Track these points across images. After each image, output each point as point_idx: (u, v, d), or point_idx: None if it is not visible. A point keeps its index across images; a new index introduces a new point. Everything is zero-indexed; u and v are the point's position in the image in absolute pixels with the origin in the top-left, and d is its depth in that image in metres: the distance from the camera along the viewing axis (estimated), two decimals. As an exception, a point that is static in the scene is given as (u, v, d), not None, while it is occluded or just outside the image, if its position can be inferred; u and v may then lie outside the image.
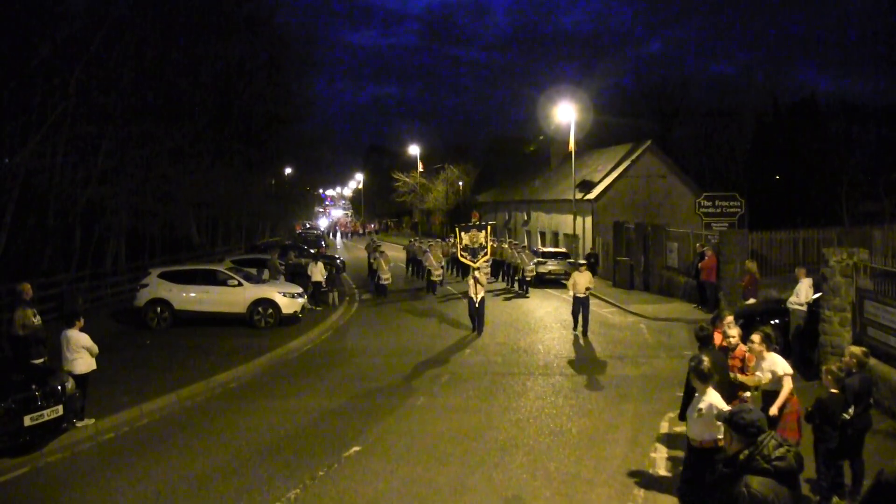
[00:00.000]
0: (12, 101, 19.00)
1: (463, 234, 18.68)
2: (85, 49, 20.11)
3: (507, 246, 27.82)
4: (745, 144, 46.43)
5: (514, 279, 26.52)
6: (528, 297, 24.38)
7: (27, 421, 9.14)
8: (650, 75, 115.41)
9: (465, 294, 19.04)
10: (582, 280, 17.18)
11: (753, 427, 4.11)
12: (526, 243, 32.43)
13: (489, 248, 19.05)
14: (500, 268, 28.36)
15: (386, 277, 25.23)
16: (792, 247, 21.99)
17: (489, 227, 19.23)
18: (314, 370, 14.39)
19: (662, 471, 8.62)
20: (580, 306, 17.26)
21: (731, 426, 4.21)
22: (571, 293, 17.40)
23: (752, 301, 16.59)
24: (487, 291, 24.87)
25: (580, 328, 17.36)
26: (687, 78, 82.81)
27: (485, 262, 19.40)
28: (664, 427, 10.20)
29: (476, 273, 17.90)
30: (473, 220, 21.76)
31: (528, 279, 25.31)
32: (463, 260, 19.16)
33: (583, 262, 18.73)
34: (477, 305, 17.58)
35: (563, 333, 17.76)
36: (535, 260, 26.61)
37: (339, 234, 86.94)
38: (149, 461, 9.19)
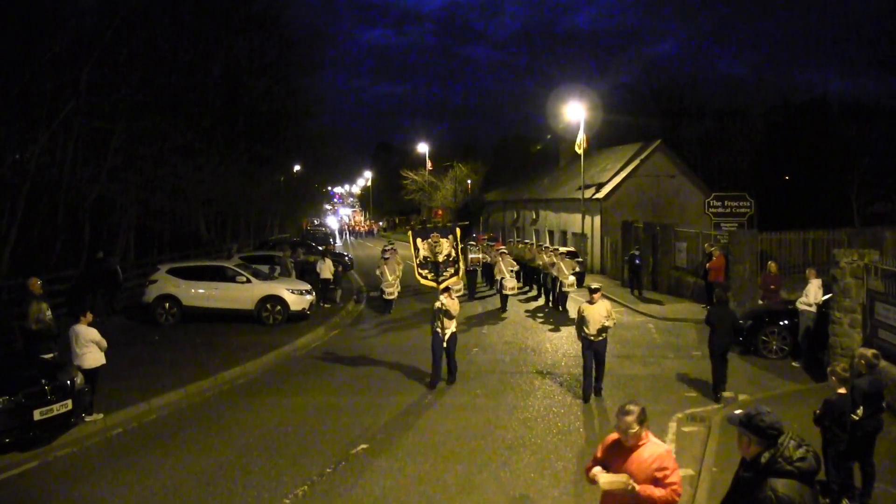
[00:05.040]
0: (24, 96, 19.08)
1: (419, 240, 13.14)
2: (95, 45, 20.19)
3: (543, 253, 22.82)
4: (754, 144, 46.18)
5: (550, 292, 21.83)
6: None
7: (37, 415, 9.19)
8: (660, 74, 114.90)
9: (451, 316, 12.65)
10: (596, 315, 11.43)
11: (774, 429, 4.02)
12: (540, 242, 31.66)
13: (461, 261, 13.53)
14: (535, 278, 23.97)
15: (391, 291, 20.66)
16: (801, 247, 21.88)
17: (458, 231, 13.47)
18: (322, 367, 14.40)
19: (670, 471, 8.58)
20: (592, 355, 11.53)
21: (750, 429, 4.09)
22: (581, 331, 11.70)
23: (760, 302, 16.55)
24: (524, 305, 21.96)
25: (593, 385, 11.77)
26: (697, 77, 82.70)
27: (454, 281, 13.29)
28: (673, 427, 10.17)
29: (442, 298, 12.40)
30: (435, 219, 14.89)
31: (566, 293, 20.65)
32: (421, 280, 13.24)
33: (596, 286, 12.01)
34: (445, 344, 12.46)
35: (571, 332, 17.68)
36: (575, 269, 20.88)
37: (349, 234, 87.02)
38: (157, 456, 9.23)
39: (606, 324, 11.45)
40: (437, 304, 12.40)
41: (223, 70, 31.93)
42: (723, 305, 11.92)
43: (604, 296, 12.02)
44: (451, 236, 13.13)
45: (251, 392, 12.53)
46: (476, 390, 12.40)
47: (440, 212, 18.99)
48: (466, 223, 27.80)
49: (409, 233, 13.82)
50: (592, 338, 11.47)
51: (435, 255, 12.99)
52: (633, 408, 4.87)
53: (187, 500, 7.88)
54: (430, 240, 13.06)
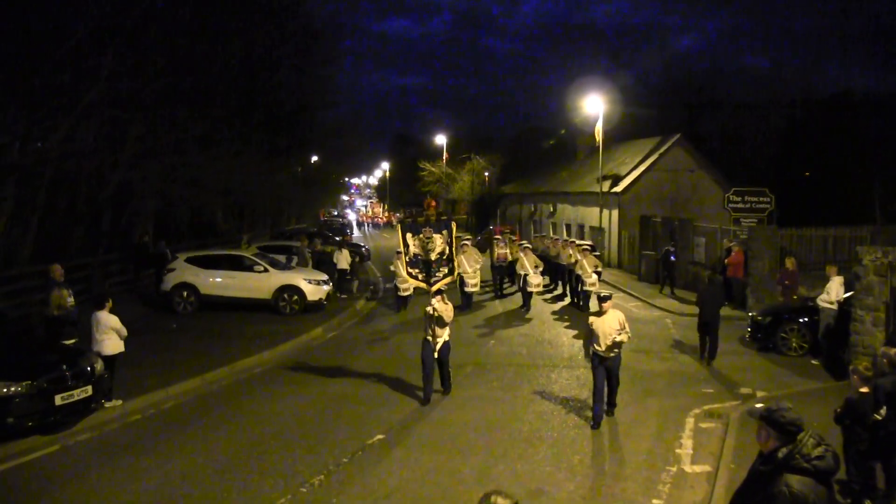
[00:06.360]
0: (45, 85, 19.23)
1: (410, 236, 11.57)
2: (116, 34, 20.29)
3: (571, 249, 21.08)
4: (775, 139, 45.67)
5: (573, 289, 20.72)
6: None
7: (58, 400, 9.31)
8: (679, 67, 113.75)
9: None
10: (606, 328, 9.78)
11: (794, 426, 3.98)
12: (566, 238, 31.24)
13: (456, 259, 12.26)
14: (560, 274, 22.66)
15: (405, 287, 18.85)
16: (822, 244, 21.65)
17: (454, 225, 11.94)
18: (338, 358, 14.44)
19: (688, 466, 8.55)
20: (604, 373, 9.92)
21: (769, 423, 4.05)
22: (589, 348, 10.20)
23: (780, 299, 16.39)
24: (550, 306, 20.77)
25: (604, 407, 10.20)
26: (717, 70, 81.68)
27: (447, 283, 11.70)
28: (690, 423, 10.11)
29: (434, 302, 11.05)
30: (428, 212, 12.62)
31: (588, 292, 19.01)
32: (410, 280, 12.12)
33: (606, 294, 10.34)
34: (436, 354, 11.10)
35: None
36: (598, 267, 19.67)
37: (368, 225, 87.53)
38: (174, 443, 9.32)
39: (619, 338, 9.70)
40: (429, 310, 11.00)
41: (242, 60, 31.97)
42: (713, 285, 13.68)
43: (611, 290, 10.64)
44: (445, 232, 11.54)
45: (268, 381, 12.61)
46: (492, 382, 12.40)
47: (433, 203, 16.52)
48: (464, 217, 25.18)
49: (399, 226, 12.21)
50: (603, 354, 9.84)
51: (427, 252, 11.41)
52: (502, 500, 3.36)
53: (204, 487, 7.95)
54: (421, 235, 11.47)
